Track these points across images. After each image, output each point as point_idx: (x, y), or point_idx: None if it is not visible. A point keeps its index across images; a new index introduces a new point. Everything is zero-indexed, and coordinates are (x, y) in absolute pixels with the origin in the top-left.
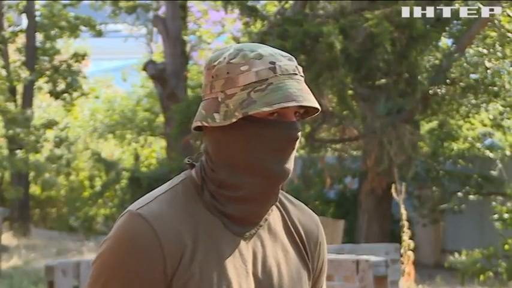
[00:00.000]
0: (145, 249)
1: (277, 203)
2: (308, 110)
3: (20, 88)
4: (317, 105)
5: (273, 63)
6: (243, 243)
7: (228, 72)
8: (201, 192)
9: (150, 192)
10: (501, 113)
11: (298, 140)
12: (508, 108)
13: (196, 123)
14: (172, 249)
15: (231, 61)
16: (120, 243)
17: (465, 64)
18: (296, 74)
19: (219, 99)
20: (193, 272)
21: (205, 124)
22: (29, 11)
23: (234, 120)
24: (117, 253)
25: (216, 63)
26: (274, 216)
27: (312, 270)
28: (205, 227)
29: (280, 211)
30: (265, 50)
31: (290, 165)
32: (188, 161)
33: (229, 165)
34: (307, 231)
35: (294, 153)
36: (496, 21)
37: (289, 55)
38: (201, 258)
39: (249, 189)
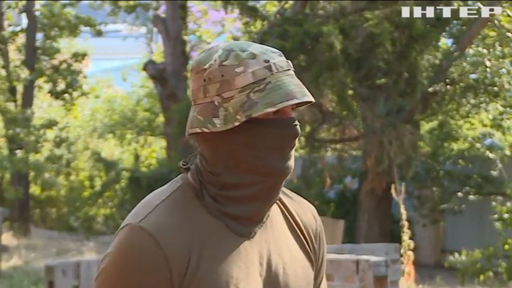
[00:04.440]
0: (150, 263)
1: None
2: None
3: (20, 88)
4: (312, 99)
5: (267, 61)
6: (247, 243)
7: (222, 75)
8: (200, 197)
9: (148, 199)
10: (501, 113)
11: (298, 136)
12: (508, 108)
13: (194, 129)
14: (178, 259)
15: (223, 63)
16: (124, 258)
17: (465, 64)
18: (289, 69)
19: (216, 103)
20: (201, 278)
21: (206, 130)
22: (28, 10)
23: (237, 124)
24: (121, 268)
25: (206, 66)
26: (273, 211)
27: (315, 261)
28: (209, 231)
29: (278, 205)
30: (255, 47)
31: (292, 161)
32: (183, 165)
33: (231, 167)
34: (306, 223)
35: (294, 149)
36: (496, 21)
37: (278, 50)
38: (207, 263)
39: (254, 188)
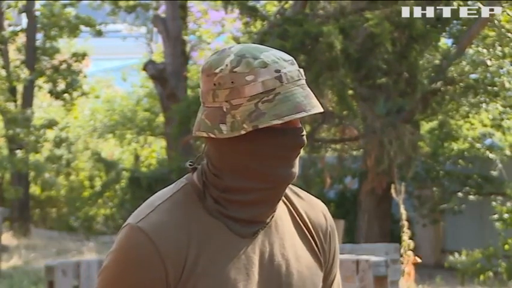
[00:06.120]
0: (145, 263)
1: (283, 197)
2: None
3: (20, 88)
4: (321, 110)
5: (278, 71)
6: (249, 244)
7: (232, 82)
8: (202, 197)
9: (151, 199)
10: (501, 113)
11: (304, 145)
12: (508, 108)
13: (201, 133)
14: (174, 259)
15: (234, 70)
16: (122, 257)
17: (465, 64)
18: (300, 79)
19: (224, 109)
20: (198, 277)
21: (212, 136)
22: (28, 10)
23: (242, 132)
24: (119, 266)
25: (217, 70)
26: (280, 211)
27: (324, 262)
28: (209, 231)
29: (285, 205)
30: (267, 55)
31: (297, 168)
32: (190, 165)
33: (235, 171)
34: (315, 223)
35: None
36: (496, 21)
37: (290, 57)
38: (205, 263)
39: (257, 193)
